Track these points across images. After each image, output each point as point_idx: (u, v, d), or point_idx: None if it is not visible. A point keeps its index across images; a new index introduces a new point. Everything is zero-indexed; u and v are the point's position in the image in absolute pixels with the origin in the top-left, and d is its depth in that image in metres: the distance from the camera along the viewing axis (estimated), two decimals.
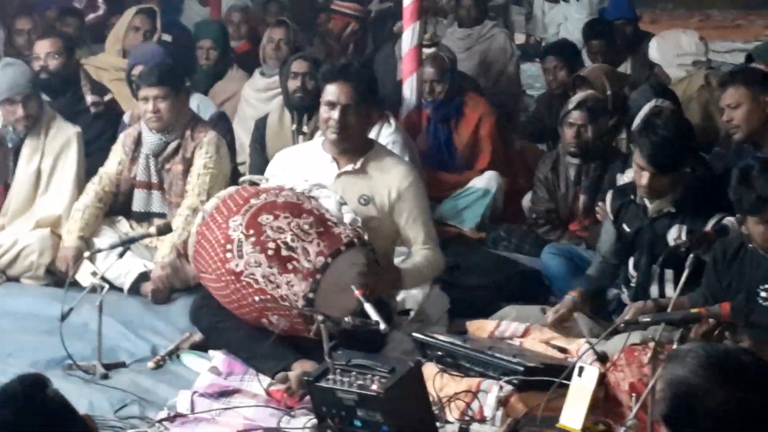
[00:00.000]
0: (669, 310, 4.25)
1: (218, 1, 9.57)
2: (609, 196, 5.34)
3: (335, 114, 5.10)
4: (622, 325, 4.20)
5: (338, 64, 5.33)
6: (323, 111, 5.17)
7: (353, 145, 5.18)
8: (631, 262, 5.16)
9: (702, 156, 5.92)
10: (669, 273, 4.94)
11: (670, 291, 4.90)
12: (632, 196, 5.15)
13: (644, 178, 4.94)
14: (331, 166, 5.20)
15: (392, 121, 6.58)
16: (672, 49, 7.69)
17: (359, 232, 4.84)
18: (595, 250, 5.48)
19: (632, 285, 5.14)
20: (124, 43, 7.89)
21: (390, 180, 5.16)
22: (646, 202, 5.07)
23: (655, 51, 7.78)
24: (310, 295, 4.61)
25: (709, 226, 4.84)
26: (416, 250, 5.18)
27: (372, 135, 5.72)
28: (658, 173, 4.91)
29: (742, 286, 4.48)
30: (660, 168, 4.90)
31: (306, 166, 5.25)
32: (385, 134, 6.39)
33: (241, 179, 5.52)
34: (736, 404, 2.50)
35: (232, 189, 5.08)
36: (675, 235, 4.96)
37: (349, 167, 5.17)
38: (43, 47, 7.03)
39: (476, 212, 6.96)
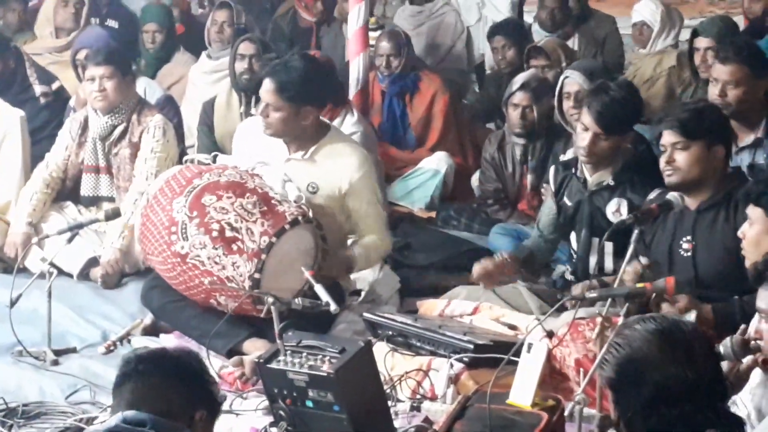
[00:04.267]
0: (615, 285, 4.28)
1: None
2: (551, 170, 5.32)
3: (262, 110, 5.08)
4: (569, 301, 4.24)
5: (272, 63, 5.26)
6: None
7: (297, 135, 5.09)
8: (573, 237, 5.16)
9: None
10: (609, 246, 4.94)
11: (609, 263, 4.96)
12: (573, 170, 5.14)
13: (586, 138, 4.90)
14: (282, 149, 5.17)
15: (355, 111, 6.58)
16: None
17: (304, 209, 4.83)
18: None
19: (574, 260, 5.16)
20: (56, 22, 7.80)
21: (341, 170, 5.10)
22: (587, 174, 5.05)
23: (647, 12, 7.69)
24: (256, 276, 4.62)
25: (651, 197, 4.83)
26: (365, 235, 5.18)
27: (335, 123, 5.71)
28: (602, 135, 4.89)
29: (663, 238, 4.55)
30: (606, 128, 4.88)
31: (259, 141, 5.21)
32: (348, 124, 6.39)
33: (185, 158, 5.50)
34: (679, 377, 2.56)
35: (175, 168, 5.07)
36: (614, 208, 4.96)
37: (298, 155, 5.13)
38: None
39: (426, 192, 7.00)
